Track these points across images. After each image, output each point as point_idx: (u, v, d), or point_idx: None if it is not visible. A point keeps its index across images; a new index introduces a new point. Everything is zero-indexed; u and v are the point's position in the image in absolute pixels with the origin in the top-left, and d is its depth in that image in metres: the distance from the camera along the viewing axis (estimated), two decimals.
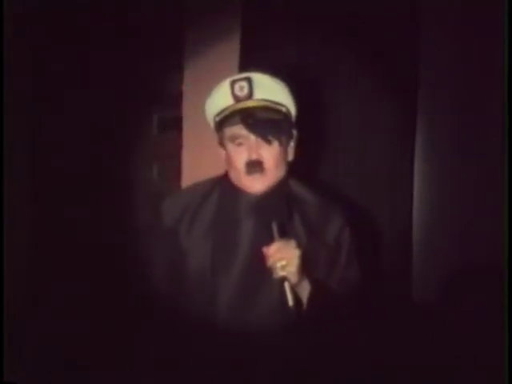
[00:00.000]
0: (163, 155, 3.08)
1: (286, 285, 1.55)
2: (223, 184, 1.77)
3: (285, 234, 1.62)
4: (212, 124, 1.77)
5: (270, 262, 1.57)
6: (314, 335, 1.71)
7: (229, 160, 1.71)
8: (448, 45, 3.01)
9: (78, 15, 2.56)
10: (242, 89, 1.68)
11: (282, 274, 1.55)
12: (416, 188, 3.11)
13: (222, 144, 1.73)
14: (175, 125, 3.03)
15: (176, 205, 1.76)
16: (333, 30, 2.93)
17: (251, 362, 1.66)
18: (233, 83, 1.68)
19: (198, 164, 2.83)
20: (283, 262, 1.56)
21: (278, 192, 1.70)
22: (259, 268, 1.61)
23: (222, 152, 1.75)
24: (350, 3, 2.93)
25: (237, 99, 1.68)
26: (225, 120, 1.69)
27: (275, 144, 1.67)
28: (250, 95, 1.67)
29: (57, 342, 2.43)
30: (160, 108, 3.10)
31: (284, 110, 1.71)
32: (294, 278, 1.58)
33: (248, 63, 2.97)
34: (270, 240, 1.58)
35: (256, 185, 1.67)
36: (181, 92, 3.09)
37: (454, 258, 3.00)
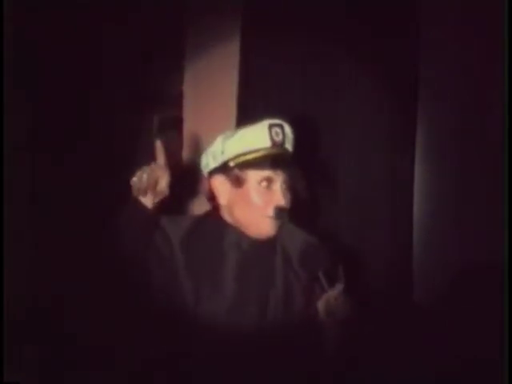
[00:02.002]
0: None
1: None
2: (207, 222, 1.77)
3: (332, 283, 1.66)
4: (223, 159, 1.73)
5: (335, 303, 1.63)
6: (313, 335, 1.71)
7: (246, 200, 1.70)
8: (448, 45, 3.01)
9: (78, 15, 2.56)
10: (277, 135, 1.71)
11: (345, 315, 1.62)
12: (416, 188, 3.11)
13: (235, 182, 1.72)
14: (175, 125, 3.04)
15: (174, 223, 1.76)
16: (333, 30, 2.93)
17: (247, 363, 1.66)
18: (270, 127, 1.71)
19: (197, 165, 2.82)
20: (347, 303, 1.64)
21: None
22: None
23: (224, 188, 1.73)
24: (350, 3, 2.94)
25: (274, 144, 1.70)
26: (257, 161, 1.69)
27: (293, 191, 1.72)
28: (282, 143, 1.72)
29: (57, 342, 2.43)
30: (160, 108, 3.11)
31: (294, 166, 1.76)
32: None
33: (248, 65, 2.97)
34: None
35: (272, 229, 1.71)
36: (181, 93, 3.10)
37: (454, 258, 3.00)
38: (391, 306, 2.86)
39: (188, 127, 3.07)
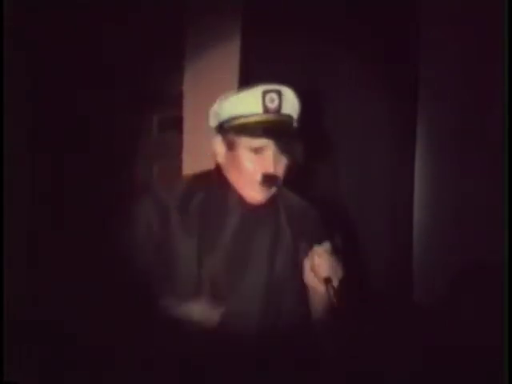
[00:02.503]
0: (163, 155, 3.08)
1: (330, 286, 1.59)
2: (212, 180, 1.77)
3: (319, 241, 1.67)
4: (219, 120, 1.75)
5: (320, 260, 1.62)
6: (313, 335, 1.71)
7: (236, 164, 1.70)
8: (448, 45, 3.01)
9: (78, 15, 2.56)
10: (272, 101, 1.69)
11: (328, 274, 1.60)
12: (416, 188, 3.11)
13: (228, 144, 1.73)
14: (175, 125, 3.04)
15: (167, 189, 1.77)
16: (333, 30, 2.93)
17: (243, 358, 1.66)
18: (265, 93, 1.69)
19: (198, 164, 2.83)
20: (334, 262, 1.63)
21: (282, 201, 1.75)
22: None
23: (220, 149, 1.74)
24: (350, 3, 2.94)
25: (266, 110, 1.68)
26: (247, 126, 1.68)
27: (289, 159, 1.70)
28: (278, 109, 1.69)
29: (57, 342, 2.43)
30: (160, 108, 3.10)
31: (296, 125, 1.75)
32: (335, 284, 1.62)
33: (248, 65, 2.97)
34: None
35: (261, 195, 1.70)
36: (181, 92, 3.09)
37: (454, 258, 3.00)
38: (391, 305, 2.86)
39: (188, 127, 3.07)
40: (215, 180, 1.77)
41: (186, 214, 1.71)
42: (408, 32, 3.01)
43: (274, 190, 1.70)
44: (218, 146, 1.75)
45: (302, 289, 1.71)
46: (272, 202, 1.74)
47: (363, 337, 2.58)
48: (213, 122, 1.78)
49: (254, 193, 1.70)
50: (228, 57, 3.01)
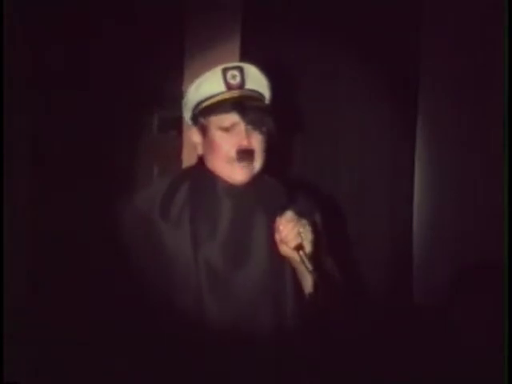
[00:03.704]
0: (163, 155, 3.08)
1: (302, 252, 1.59)
2: (196, 172, 1.76)
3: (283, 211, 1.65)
4: (190, 110, 1.76)
5: (285, 230, 1.61)
6: (313, 335, 1.71)
7: (212, 147, 1.70)
8: (448, 45, 3.02)
9: (77, 15, 2.56)
10: (234, 77, 1.69)
11: (297, 241, 1.60)
12: (416, 188, 3.11)
13: (202, 131, 1.72)
14: (175, 125, 3.04)
15: (147, 195, 1.76)
16: (333, 29, 2.93)
17: (241, 353, 1.65)
18: (225, 71, 1.69)
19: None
20: (300, 229, 1.61)
21: (262, 182, 1.72)
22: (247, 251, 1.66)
23: (197, 139, 1.75)
24: (349, 2, 2.94)
25: (229, 87, 1.69)
26: (214, 106, 1.68)
27: (263, 134, 1.69)
28: (241, 85, 1.69)
29: (57, 342, 2.43)
30: (160, 108, 3.11)
31: (267, 102, 1.75)
32: (308, 248, 1.61)
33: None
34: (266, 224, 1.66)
35: (241, 174, 1.68)
36: (181, 92, 3.09)
37: (454, 258, 3.00)
38: (391, 305, 2.87)
39: (188, 127, 3.07)
40: (198, 171, 1.76)
41: (167, 216, 1.69)
42: (408, 31, 3.01)
43: (254, 168, 1.69)
44: (195, 136, 1.76)
45: (285, 266, 1.69)
46: (254, 182, 1.72)
47: (363, 337, 2.58)
48: (186, 115, 1.79)
49: (233, 173, 1.68)
50: (228, 56, 3.01)
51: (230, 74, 1.69)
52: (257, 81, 1.72)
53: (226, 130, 1.68)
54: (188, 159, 2.97)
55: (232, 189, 1.71)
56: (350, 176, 3.07)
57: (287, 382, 1.69)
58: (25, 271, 2.45)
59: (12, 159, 2.29)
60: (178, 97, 3.09)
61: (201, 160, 1.77)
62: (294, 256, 1.62)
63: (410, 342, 2.70)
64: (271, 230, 1.67)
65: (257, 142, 1.69)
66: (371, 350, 2.61)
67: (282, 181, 1.77)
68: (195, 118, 1.75)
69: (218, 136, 1.69)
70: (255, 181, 1.71)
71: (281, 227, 1.63)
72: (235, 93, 1.69)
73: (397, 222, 3.07)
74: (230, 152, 1.67)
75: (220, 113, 1.68)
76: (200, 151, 1.75)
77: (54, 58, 2.56)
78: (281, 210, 1.64)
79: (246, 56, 2.96)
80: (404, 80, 3.02)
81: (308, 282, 1.67)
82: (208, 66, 3.02)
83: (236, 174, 1.68)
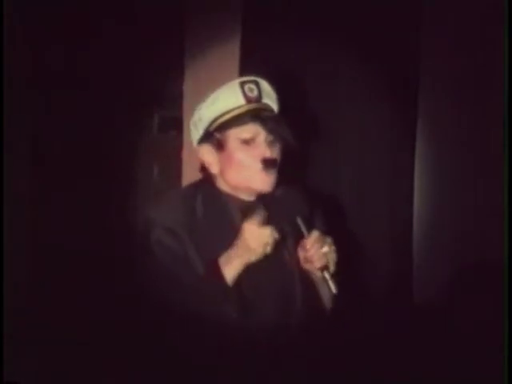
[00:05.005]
0: (163, 155, 3.09)
1: (327, 273, 1.61)
2: (205, 189, 1.75)
3: (311, 228, 1.67)
4: (204, 128, 1.73)
5: (311, 250, 1.63)
6: (313, 335, 1.71)
7: (232, 160, 1.68)
8: (448, 44, 3.01)
9: (78, 15, 2.56)
10: (252, 90, 1.69)
11: (323, 263, 1.62)
12: (416, 187, 3.11)
13: (218, 146, 1.70)
14: (175, 125, 3.04)
15: (166, 209, 1.73)
16: (333, 29, 2.93)
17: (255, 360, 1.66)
18: (242, 84, 1.69)
19: (197, 164, 2.83)
20: (326, 249, 1.63)
21: (282, 191, 1.71)
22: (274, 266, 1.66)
23: (210, 157, 1.72)
24: (349, 2, 2.93)
25: (248, 100, 1.68)
26: (234, 120, 1.67)
27: (280, 143, 1.69)
28: (259, 98, 1.70)
29: (57, 342, 2.43)
30: (160, 108, 3.11)
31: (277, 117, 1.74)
32: (332, 268, 1.64)
33: (248, 64, 2.97)
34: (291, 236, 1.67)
35: (268, 182, 1.68)
36: (181, 92, 3.10)
37: (454, 257, 2.99)
38: (391, 305, 2.86)
39: (188, 127, 3.07)
40: (207, 189, 1.74)
41: (192, 230, 1.67)
42: (408, 31, 3.01)
43: (274, 177, 1.68)
44: (208, 155, 1.72)
45: (307, 278, 1.71)
46: (267, 196, 1.71)
47: (363, 337, 2.58)
48: (195, 135, 1.75)
49: (261, 182, 1.68)
50: (228, 56, 3.01)
51: (247, 87, 1.69)
52: (269, 94, 1.74)
53: (246, 142, 1.67)
54: (188, 159, 2.98)
55: (245, 205, 1.71)
56: (350, 176, 3.07)
57: (287, 382, 1.69)
58: (25, 271, 2.45)
59: (12, 159, 2.29)
60: (177, 97, 3.11)
61: (208, 177, 1.75)
62: (318, 274, 1.65)
63: (410, 342, 2.70)
64: (292, 245, 1.70)
65: (276, 151, 1.70)
66: (371, 350, 2.60)
67: (298, 190, 1.75)
68: (209, 135, 1.72)
69: (238, 150, 1.68)
70: (267, 194, 1.71)
71: (308, 246, 1.64)
72: (253, 105, 1.69)
73: (397, 221, 3.06)
74: (254, 164, 1.67)
75: (239, 125, 1.67)
76: (215, 170, 1.72)
77: (54, 58, 2.56)
78: (304, 225, 1.65)
79: (246, 57, 2.96)
80: (404, 80, 3.01)
81: (326, 296, 1.72)
82: (208, 66, 3.05)
83: (264, 183, 1.68)
